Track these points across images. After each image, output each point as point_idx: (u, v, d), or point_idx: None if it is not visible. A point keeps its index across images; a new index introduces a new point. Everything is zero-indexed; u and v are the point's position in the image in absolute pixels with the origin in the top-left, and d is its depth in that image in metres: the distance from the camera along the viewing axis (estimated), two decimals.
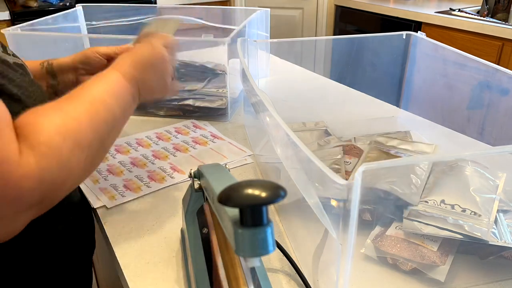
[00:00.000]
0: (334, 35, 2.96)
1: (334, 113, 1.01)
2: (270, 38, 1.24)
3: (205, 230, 0.52)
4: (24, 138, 0.39)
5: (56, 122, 0.42)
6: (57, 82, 0.72)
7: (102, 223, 0.66)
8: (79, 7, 1.26)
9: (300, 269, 0.56)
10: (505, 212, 0.60)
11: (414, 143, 0.79)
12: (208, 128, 0.96)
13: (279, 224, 0.66)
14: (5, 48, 0.58)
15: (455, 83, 0.89)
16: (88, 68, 0.73)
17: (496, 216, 0.58)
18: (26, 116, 0.42)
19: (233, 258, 0.43)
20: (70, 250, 0.66)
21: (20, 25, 1.01)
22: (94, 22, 1.29)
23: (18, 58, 0.60)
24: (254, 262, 0.34)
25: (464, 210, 0.57)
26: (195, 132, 0.94)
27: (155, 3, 2.70)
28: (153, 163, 0.82)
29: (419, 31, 0.97)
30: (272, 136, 0.59)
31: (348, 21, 2.83)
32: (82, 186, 0.75)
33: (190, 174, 0.53)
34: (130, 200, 0.72)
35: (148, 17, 1.31)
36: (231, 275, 0.42)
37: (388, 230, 0.59)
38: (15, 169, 0.37)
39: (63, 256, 0.64)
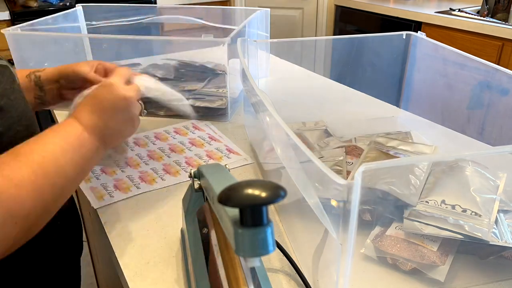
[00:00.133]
0: (334, 35, 2.96)
1: (334, 113, 1.01)
2: (270, 38, 1.24)
3: (205, 230, 0.52)
4: None
5: None
6: (44, 93, 0.70)
7: (102, 223, 0.66)
8: (79, 7, 1.26)
9: (300, 269, 0.56)
10: (505, 212, 0.60)
11: (414, 144, 0.79)
12: (207, 129, 0.96)
13: (279, 224, 0.66)
14: None
15: (455, 83, 0.89)
16: (69, 84, 0.70)
17: (496, 216, 0.58)
18: None
19: (233, 258, 0.43)
20: (57, 254, 0.66)
21: (20, 25, 1.01)
22: (94, 22, 1.29)
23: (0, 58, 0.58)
24: (254, 262, 0.34)
25: (464, 211, 0.57)
26: (193, 133, 0.94)
27: (155, 3, 2.70)
28: (146, 164, 0.82)
29: (419, 31, 0.97)
30: (272, 136, 0.59)
31: (348, 21, 2.83)
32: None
33: (190, 174, 0.53)
34: (122, 200, 0.71)
35: (148, 17, 1.31)
36: (231, 275, 0.42)
37: (388, 230, 0.59)
38: None
39: (50, 260, 0.64)
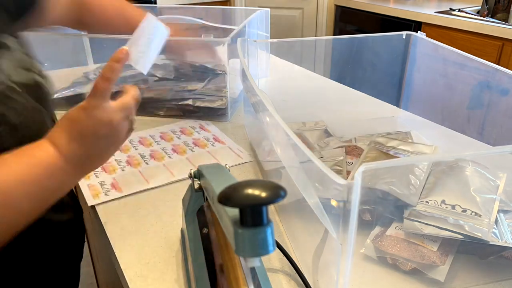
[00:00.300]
0: (334, 35, 2.96)
1: (334, 113, 1.01)
2: (270, 38, 1.24)
3: (205, 230, 0.52)
4: None
5: None
6: None
7: (102, 223, 0.66)
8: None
9: (300, 269, 0.56)
10: (505, 212, 0.60)
11: (414, 144, 0.79)
12: (212, 129, 0.96)
13: (279, 224, 0.66)
14: (30, 64, 0.54)
15: (455, 83, 0.89)
16: None
17: (496, 216, 0.58)
18: None
19: (233, 258, 0.43)
20: (57, 261, 0.66)
21: None
22: None
23: (35, 72, 0.55)
24: (254, 262, 0.34)
25: (464, 211, 0.57)
26: (199, 134, 0.94)
27: (155, 3, 2.70)
28: (147, 163, 0.82)
29: (419, 31, 0.97)
30: (272, 136, 0.59)
31: (348, 21, 2.83)
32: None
33: (190, 174, 0.53)
34: (122, 200, 0.72)
35: None
36: (231, 275, 0.42)
37: (388, 230, 0.59)
38: None
39: (49, 267, 0.64)
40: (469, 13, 2.21)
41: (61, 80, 1.10)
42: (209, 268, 0.48)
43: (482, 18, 2.12)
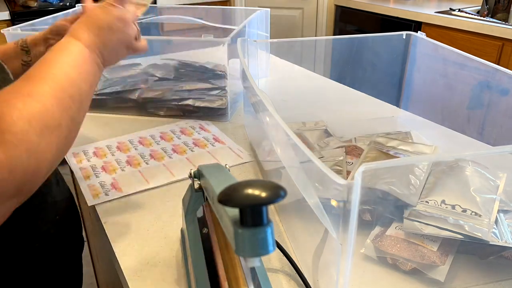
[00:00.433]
0: (334, 35, 2.96)
1: (334, 113, 1.01)
2: (270, 38, 1.24)
3: (205, 230, 0.52)
4: None
5: (19, 106, 0.40)
6: (30, 58, 0.70)
7: (102, 223, 0.66)
8: (79, 7, 1.26)
9: (300, 269, 0.56)
10: (505, 212, 0.60)
11: (414, 144, 0.79)
12: (212, 129, 0.96)
13: (279, 224, 0.66)
14: None
15: (455, 83, 0.89)
16: (59, 38, 0.69)
17: (496, 216, 0.58)
18: None
19: (233, 258, 0.43)
20: (58, 250, 0.66)
21: (20, 25, 1.01)
22: None
23: None
24: (254, 262, 0.34)
25: (464, 211, 0.57)
26: (199, 134, 0.94)
27: (155, 3, 2.70)
28: (147, 163, 0.82)
29: (419, 31, 0.97)
30: (272, 136, 0.59)
31: (348, 21, 2.83)
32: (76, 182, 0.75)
33: (190, 174, 0.53)
34: (122, 199, 0.71)
35: (148, 17, 1.31)
36: (231, 275, 0.42)
37: (388, 230, 0.59)
38: None
39: (52, 256, 0.64)
40: (469, 13, 2.21)
41: None
42: (209, 268, 0.48)
43: (482, 18, 2.12)
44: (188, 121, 1.00)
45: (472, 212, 0.57)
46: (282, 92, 1.12)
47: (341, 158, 0.75)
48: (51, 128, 0.42)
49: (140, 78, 1.07)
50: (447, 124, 0.90)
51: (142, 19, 1.30)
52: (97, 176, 0.77)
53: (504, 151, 0.49)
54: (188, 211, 0.56)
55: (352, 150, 0.78)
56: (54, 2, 2.46)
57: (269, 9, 1.22)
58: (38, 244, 0.61)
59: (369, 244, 0.58)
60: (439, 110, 0.95)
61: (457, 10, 2.27)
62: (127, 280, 0.56)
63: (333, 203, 0.40)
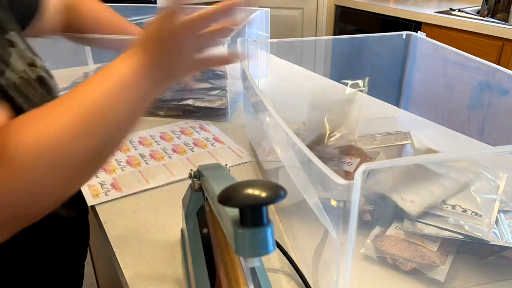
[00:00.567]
0: (334, 35, 2.96)
1: None
2: (270, 38, 1.24)
3: (205, 230, 0.52)
4: None
5: (32, 135, 0.38)
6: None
7: (102, 223, 0.66)
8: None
9: (300, 269, 0.56)
10: (505, 212, 0.60)
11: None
12: (212, 129, 0.96)
13: (279, 224, 0.66)
14: (33, 60, 0.55)
15: (455, 83, 0.89)
16: None
17: (497, 216, 0.58)
18: (3, 128, 0.38)
19: (233, 258, 0.43)
20: (61, 260, 0.66)
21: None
22: None
23: (44, 69, 0.57)
24: (254, 262, 0.34)
25: (465, 211, 0.57)
26: (199, 134, 0.94)
27: (155, 3, 2.70)
28: (147, 163, 0.82)
29: (419, 31, 0.97)
30: (272, 136, 0.59)
31: (348, 21, 2.83)
32: None
33: (190, 174, 0.53)
34: (121, 199, 0.71)
35: (148, 17, 1.31)
36: (231, 275, 0.42)
37: (388, 230, 0.59)
38: None
39: (53, 265, 0.64)
40: (469, 13, 2.21)
41: (61, 80, 1.09)
42: (209, 268, 0.48)
43: (482, 18, 2.12)
44: (188, 121, 1.00)
45: (473, 212, 0.57)
46: (282, 92, 1.12)
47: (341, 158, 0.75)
48: (60, 164, 0.39)
49: None
50: (447, 124, 0.90)
51: (142, 19, 1.30)
52: (97, 176, 0.77)
53: (504, 151, 0.49)
54: (188, 211, 0.56)
55: (351, 150, 0.78)
56: None
57: (269, 9, 1.22)
58: (42, 252, 0.61)
59: (369, 244, 0.58)
60: (439, 110, 0.95)
61: (457, 10, 2.27)
62: (127, 280, 0.56)
63: (333, 203, 0.40)
